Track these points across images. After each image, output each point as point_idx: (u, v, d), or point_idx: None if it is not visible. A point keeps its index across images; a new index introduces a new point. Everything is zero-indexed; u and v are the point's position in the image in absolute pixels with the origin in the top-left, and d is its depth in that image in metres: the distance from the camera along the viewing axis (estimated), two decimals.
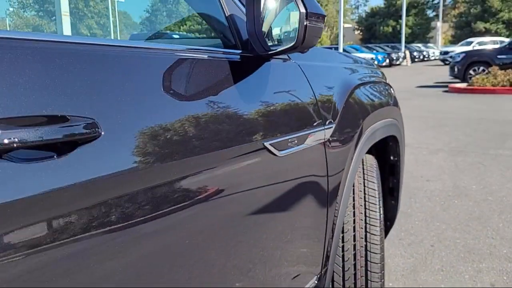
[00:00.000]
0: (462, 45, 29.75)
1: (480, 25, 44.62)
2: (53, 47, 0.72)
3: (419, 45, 39.44)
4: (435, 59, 34.20)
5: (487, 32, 42.89)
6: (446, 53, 28.94)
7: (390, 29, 53.00)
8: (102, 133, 0.71)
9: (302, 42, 0.99)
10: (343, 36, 32.34)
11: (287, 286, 1.27)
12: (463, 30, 47.06)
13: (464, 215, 3.15)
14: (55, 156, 0.65)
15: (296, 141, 1.19)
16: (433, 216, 3.15)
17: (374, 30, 54.98)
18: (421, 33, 53.82)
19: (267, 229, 1.15)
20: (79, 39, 0.79)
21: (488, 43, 26.88)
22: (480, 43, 27.07)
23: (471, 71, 13.19)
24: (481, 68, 12.98)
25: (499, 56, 13.00)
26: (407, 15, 45.27)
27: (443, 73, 17.55)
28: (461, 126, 6.67)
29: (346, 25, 62.19)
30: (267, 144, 1.07)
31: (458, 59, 13.78)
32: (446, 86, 12.93)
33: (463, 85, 12.34)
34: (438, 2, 57.97)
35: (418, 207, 3.32)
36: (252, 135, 1.04)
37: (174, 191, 0.84)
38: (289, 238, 1.25)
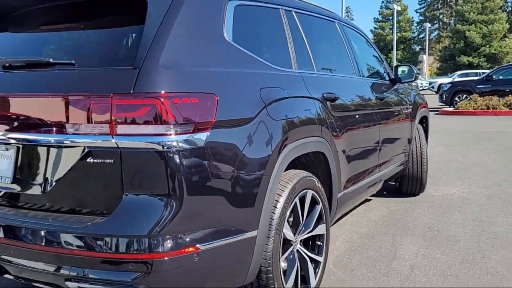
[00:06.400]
0: (449, 77, 34.20)
1: (464, 59, 48.07)
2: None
3: None
4: (423, 89, 37.56)
5: (470, 65, 46.28)
6: (430, 83, 33.79)
7: None
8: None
9: (414, 79, 3.79)
10: None
11: (400, 155, 4.00)
12: (448, 63, 50.54)
13: (456, 168, 5.91)
14: None
15: (404, 108, 3.95)
16: (439, 168, 5.90)
17: None
18: None
19: (399, 140, 3.89)
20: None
21: (470, 74, 30.58)
22: (460, 75, 30.92)
23: (456, 98, 16.25)
24: (464, 95, 16.04)
25: (478, 86, 16.13)
26: (396, 50, 49.05)
27: (433, 100, 20.60)
28: (451, 134, 9.51)
29: None
30: (398, 107, 3.83)
31: (446, 88, 16.88)
32: (437, 110, 15.92)
33: (450, 109, 15.34)
34: (424, 37, 62.33)
35: (430, 166, 6.04)
36: (394, 104, 3.80)
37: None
38: (403, 145, 4.01)
